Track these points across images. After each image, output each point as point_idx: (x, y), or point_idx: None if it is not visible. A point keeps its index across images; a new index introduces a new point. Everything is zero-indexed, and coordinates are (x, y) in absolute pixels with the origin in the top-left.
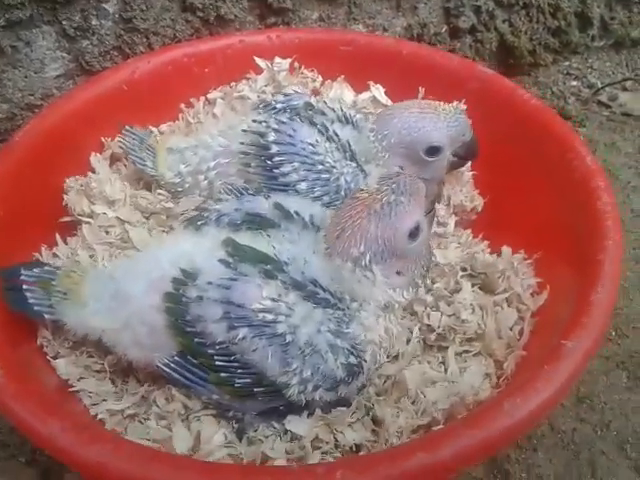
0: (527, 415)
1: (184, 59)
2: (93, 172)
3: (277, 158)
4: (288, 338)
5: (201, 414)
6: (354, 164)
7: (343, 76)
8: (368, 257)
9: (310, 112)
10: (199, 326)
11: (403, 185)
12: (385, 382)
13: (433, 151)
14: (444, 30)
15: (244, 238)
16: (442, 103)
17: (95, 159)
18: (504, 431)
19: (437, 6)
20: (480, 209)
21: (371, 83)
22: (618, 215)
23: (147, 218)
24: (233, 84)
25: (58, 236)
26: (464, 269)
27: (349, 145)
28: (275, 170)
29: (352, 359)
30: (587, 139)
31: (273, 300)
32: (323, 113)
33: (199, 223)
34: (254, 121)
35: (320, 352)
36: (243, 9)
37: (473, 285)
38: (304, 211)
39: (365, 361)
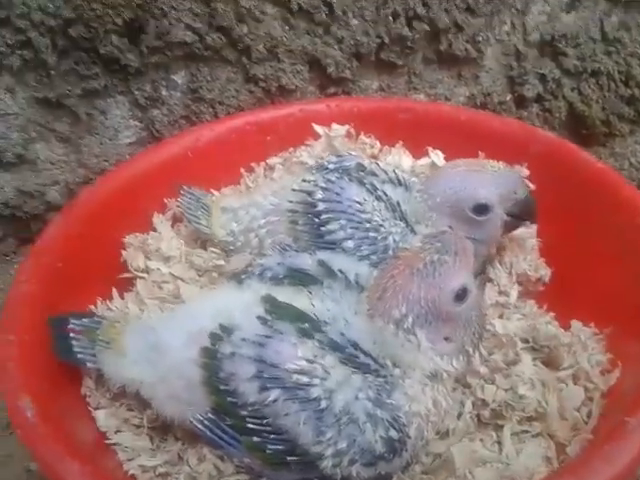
0: None
1: (246, 127)
2: (155, 231)
3: (324, 216)
4: (323, 404)
5: (233, 479)
6: (403, 224)
7: (401, 142)
8: (411, 319)
9: (361, 173)
10: (232, 384)
11: (448, 243)
12: (434, 461)
13: (481, 209)
14: (509, 99)
15: (285, 294)
16: (492, 161)
17: (158, 219)
18: None
19: (500, 74)
20: (547, 280)
21: (430, 149)
22: None
23: (200, 276)
24: (292, 150)
25: (115, 290)
26: (525, 341)
27: (399, 205)
28: (322, 228)
29: (393, 433)
30: None
31: (308, 361)
32: (374, 174)
33: (243, 277)
34: (304, 180)
35: (357, 422)
36: (304, 80)
37: (535, 359)
38: (349, 270)
39: (409, 437)
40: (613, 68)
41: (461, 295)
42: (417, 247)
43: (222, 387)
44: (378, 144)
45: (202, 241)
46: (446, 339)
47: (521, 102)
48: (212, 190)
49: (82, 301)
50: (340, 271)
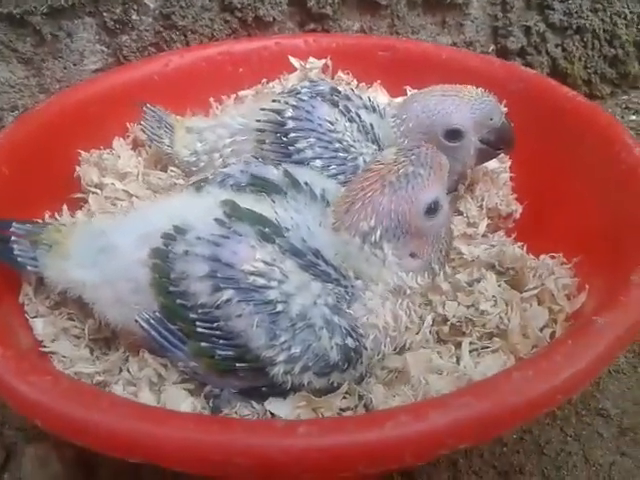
0: (539, 393)
1: (218, 57)
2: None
3: (293, 134)
4: (279, 307)
5: (176, 386)
6: (375, 146)
7: (379, 81)
8: (379, 233)
9: (336, 97)
10: (182, 285)
11: (424, 157)
12: (389, 374)
13: (454, 135)
14: (491, 50)
15: (246, 200)
16: (470, 86)
17: (118, 143)
18: (508, 407)
19: (484, 24)
20: (518, 216)
21: (408, 88)
22: None
23: (156, 195)
24: (264, 81)
25: (65, 207)
26: (492, 266)
27: (372, 128)
28: (290, 147)
29: (349, 341)
30: None
31: (266, 263)
32: (349, 98)
33: (202, 184)
34: (274, 100)
35: (314, 327)
36: (282, 12)
37: (500, 281)
38: (316, 184)
39: (365, 348)
40: (599, 26)
41: (432, 209)
42: (390, 159)
43: (172, 288)
44: (355, 81)
45: (163, 165)
46: (412, 255)
47: (504, 54)
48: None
49: (28, 212)
50: (306, 183)
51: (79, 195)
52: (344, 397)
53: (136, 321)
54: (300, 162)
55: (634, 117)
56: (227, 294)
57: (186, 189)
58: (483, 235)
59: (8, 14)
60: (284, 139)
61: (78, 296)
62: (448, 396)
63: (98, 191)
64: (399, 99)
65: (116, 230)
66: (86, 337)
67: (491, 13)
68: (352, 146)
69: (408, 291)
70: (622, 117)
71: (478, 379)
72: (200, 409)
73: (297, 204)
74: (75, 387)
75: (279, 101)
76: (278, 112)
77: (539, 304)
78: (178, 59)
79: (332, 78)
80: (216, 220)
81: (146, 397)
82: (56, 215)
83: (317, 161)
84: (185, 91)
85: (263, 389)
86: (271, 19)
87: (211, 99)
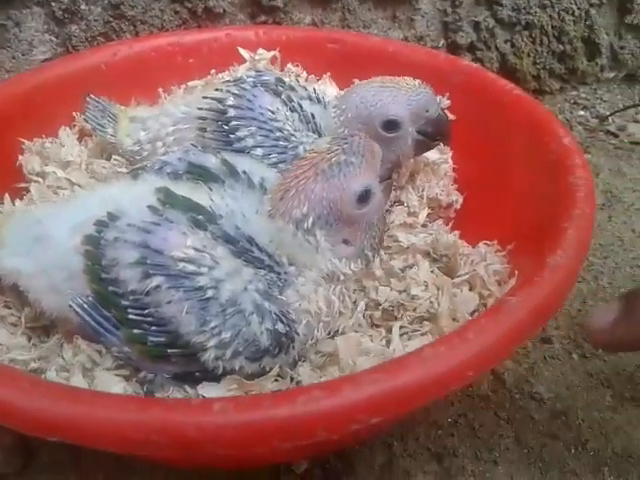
0: (448, 368)
1: (168, 47)
2: (61, 145)
3: (234, 122)
4: (209, 293)
5: (109, 372)
6: (316, 136)
7: (329, 73)
8: (311, 220)
9: (280, 87)
10: (113, 271)
11: (356, 146)
12: (321, 359)
13: (391, 125)
14: (442, 44)
15: (182, 188)
16: (408, 78)
17: (64, 132)
18: (417, 382)
19: (435, 19)
20: (458, 206)
21: (356, 81)
22: (592, 189)
23: (98, 181)
24: (214, 72)
25: (7, 196)
26: (427, 253)
27: (313, 118)
28: (231, 135)
29: (280, 326)
30: (591, 164)
31: (197, 250)
32: (293, 89)
33: (139, 172)
34: (217, 89)
35: (243, 312)
36: (232, 3)
37: (433, 268)
38: (255, 172)
39: (297, 334)
40: (547, 22)
41: (364, 197)
42: (324, 148)
43: (104, 275)
44: (305, 73)
45: (108, 154)
46: (345, 242)
47: (454, 50)
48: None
49: None
50: (244, 172)
51: (22, 185)
52: (276, 380)
53: (70, 306)
54: (241, 150)
55: (582, 112)
56: (156, 280)
57: (123, 177)
58: (423, 225)
59: None
60: (225, 127)
61: (13, 284)
62: (361, 373)
63: (40, 180)
64: None
65: (52, 219)
66: (22, 325)
67: (441, 8)
68: (293, 135)
69: (342, 277)
70: (571, 112)
71: None
72: (132, 392)
73: (234, 192)
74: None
75: (222, 90)
76: (220, 100)
77: (470, 290)
78: (127, 49)
79: (281, 70)
80: (149, 207)
81: (78, 382)
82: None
83: (258, 150)
84: (134, 81)
85: (196, 374)
86: (221, 10)
87: (160, 89)
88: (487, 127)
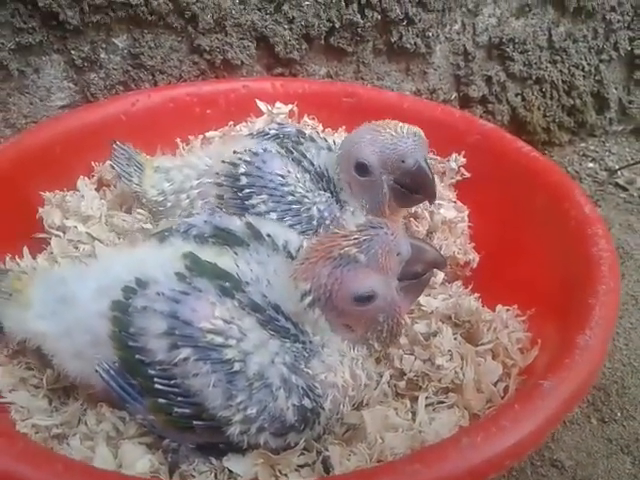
0: (486, 459)
1: (186, 98)
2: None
3: (247, 190)
4: (236, 366)
5: (133, 440)
6: (328, 194)
7: (344, 127)
8: (311, 297)
9: (302, 139)
10: (141, 340)
11: (373, 243)
12: (347, 432)
13: (362, 168)
14: (453, 97)
15: (209, 253)
16: (405, 126)
17: (82, 182)
18: (456, 473)
19: (447, 73)
20: (475, 264)
21: None
22: (616, 262)
23: (120, 238)
24: (232, 123)
25: (26, 249)
26: (448, 317)
27: (326, 173)
28: (245, 202)
29: (306, 402)
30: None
31: (225, 321)
32: (313, 140)
33: (166, 234)
34: (235, 152)
35: (271, 387)
36: (250, 56)
37: (455, 334)
38: (279, 236)
39: (323, 408)
40: (557, 77)
41: (364, 298)
42: (349, 231)
43: (131, 343)
44: (321, 127)
45: (128, 207)
46: (346, 326)
47: (466, 102)
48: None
49: None
50: (268, 235)
51: (41, 236)
52: (302, 454)
53: (96, 371)
54: (257, 214)
55: (591, 164)
56: (185, 352)
57: (149, 239)
58: (441, 284)
59: None
60: (239, 194)
61: (37, 347)
62: (399, 462)
63: (60, 234)
64: None
65: (77, 279)
66: (44, 387)
67: (454, 62)
68: (305, 197)
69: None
70: (580, 164)
71: (432, 438)
72: (158, 465)
73: (259, 256)
74: (30, 449)
75: (238, 152)
76: (234, 165)
77: (493, 358)
78: (145, 99)
79: (299, 122)
80: (177, 274)
81: (103, 452)
82: (17, 259)
83: (272, 214)
84: (152, 131)
85: (221, 446)
86: (239, 62)
87: (178, 139)
88: (504, 188)
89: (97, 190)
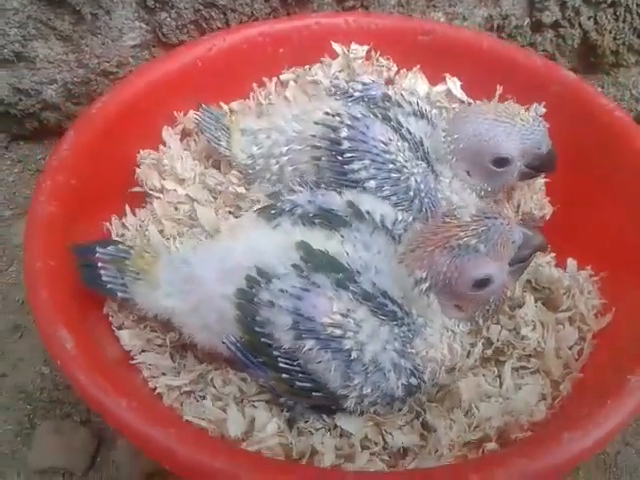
0: (585, 449)
1: (259, 38)
2: (164, 145)
3: (348, 154)
4: (353, 355)
5: (255, 399)
6: (425, 164)
7: (419, 66)
8: (428, 284)
9: (387, 104)
10: (267, 328)
11: (492, 234)
12: (438, 391)
13: (501, 162)
14: (526, 23)
15: (318, 238)
16: (522, 111)
17: (167, 133)
18: (559, 464)
19: None
20: (548, 217)
21: (447, 76)
22: None
23: (215, 198)
24: (307, 67)
25: (128, 207)
26: (528, 281)
27: (422, 142)
28: (345, 166)
29: (413, 380)
30: None
31: (342, 315)
32: (400, 105)
33: (272, 212)
34: (327, 113)
35: (383, 370)
36: None
37: (537, 300)
38: (375, 210)
39: (424, 382)
40: (633, 1)
41: (482, 284)
42: (464, 221)
43: (257, 329)
44: (395, 67)
45: (214, 159)
46: (457, 307)
47: (537, 27)
48: (222, 103)
49: (97, 220)
50: (368, 212)
51: (137, 190)
52: (404, 415)
53: (223, 342)
54: (355, 181)
55: None
56: (309, 344)
57: (257, 219)
58: None
59: None
60: (339, 158)
61: (167, 319)
62: (508, 454)
63: (161, 195)
64: (438, 87)
65: (199, 261)
66: (168, 346)
67: None
68: (404, 167)
69: (455, 332)
70: None
71: (521, 407)
72: (284, 427)
73: (362, 236)
74: (198, 437)
75: (333, 115)
76: (333, 129)
77: (570, 324)
78: (221, 42)
79: (373, 65)
80: (294, 267)
81: (234, 414)
82: (123, 221)
83: (371, 182)
84: (228, 75)
85: (332, 407)
86: None
87: (254, 84)
88: (582, 145)
89: (181, 140)
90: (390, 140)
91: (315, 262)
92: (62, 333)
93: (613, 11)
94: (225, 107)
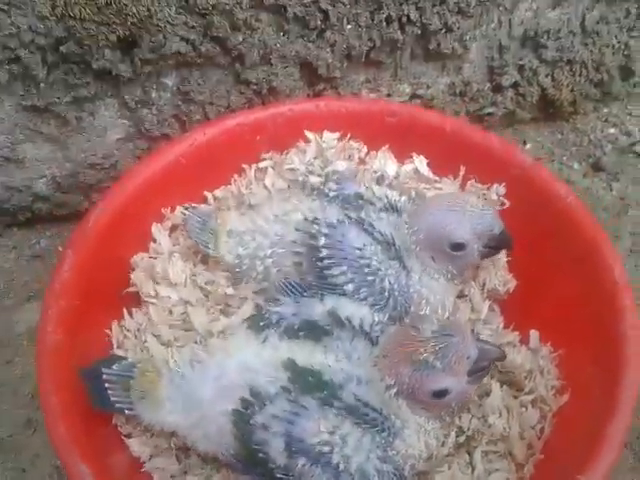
0: None
1: (237, 128)
2: (154, 242)
3: (327, 261)
4: (341, 467)
5: None
6: (397, 263)
7: (387, 145)
8: (395, 391)
9: (360, 201)
10: (263, 447)
11: (448, 351)
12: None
13: (458, 247)
14: (487, 87)
15: (303, 352)
16: (472, 198)
17: (156, 229)
18: None
19: (482, 65)
20: (511, 291)
21: (414, 154)
22: None
23: (206, 295)
24: (284, 152)
25: (125, 311)
26: (495, 366)
27: (393, 242)
28: (325, 271)
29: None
30: (619, 196)
31: (329, 433)
32: (371, 202)
33: (261, 324)
34: (306, 219)
35: (368, 477)
36: (295, 81)
37: (502, 384)
38: (354, 315)
39: (405, 477)
40: (587, 57)
41: (440, 394)
42: (425, 337)
43: (254, 446)
44: (365, 148)
45: (202, 255)
46: (424, 408)
47: (498, 89)
48: (205, 192)
49: (99, 328)
50: (347, 319)
51: (132, 290)
52: None
53: (222, 454)
54: (335, 285)
55: (612, 130)
56: (301, 461)
57: (246, 332)
58: (484, 321)
59: (32, 105)
60: (319, 264)
61: (172, 431)
62: None
63: (155, 301)
64: (406, 166)
65: (197, 379)
66: (173, 449)
67: (488, 55)
68: (379, 269)
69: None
70: (602, 130)
71: None
72: None
73: (343, 344)
74: None
75: (311, 221)
76: (312, 236)
77: (532, 406)
78: (201, 137)
79: (345, 149)
80: (283, 388)
81: None
82: (123, 325)
83: (349, 285)
84: (210, 166)
85: None
86: (284, 88)
87: (235, 176)
88: (538, 228)
89: (170, 234)
90: (364, 245)
91: (301, 384)
92: (83, 468)
93: (570, 68)
94: (209, 195)
